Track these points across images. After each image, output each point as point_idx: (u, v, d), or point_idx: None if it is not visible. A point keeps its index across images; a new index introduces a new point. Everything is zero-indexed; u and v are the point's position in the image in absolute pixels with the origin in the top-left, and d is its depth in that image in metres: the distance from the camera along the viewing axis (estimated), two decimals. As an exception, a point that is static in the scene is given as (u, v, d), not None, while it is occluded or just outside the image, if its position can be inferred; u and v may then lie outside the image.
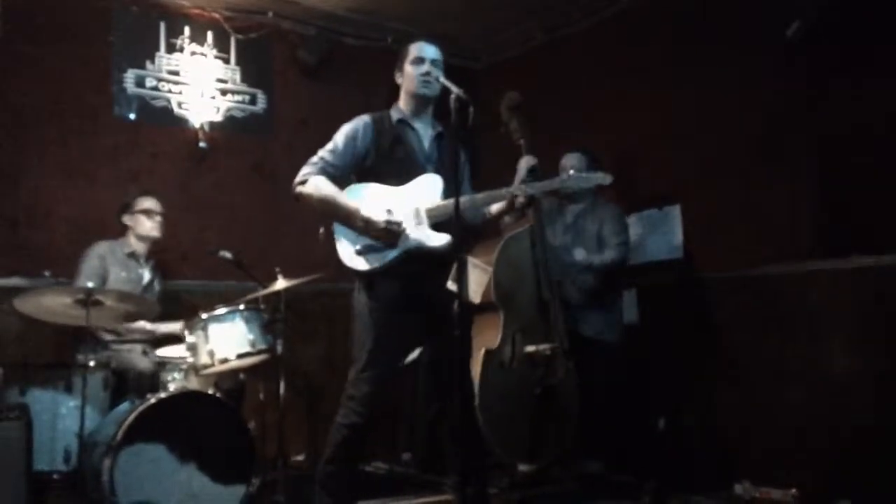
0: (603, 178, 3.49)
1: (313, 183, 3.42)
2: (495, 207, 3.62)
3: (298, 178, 3.46)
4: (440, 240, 3.32)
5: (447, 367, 3.33)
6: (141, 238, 4.69)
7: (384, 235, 3.32)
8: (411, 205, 3.39)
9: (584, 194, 4.89)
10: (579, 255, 4.80)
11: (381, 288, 3.40)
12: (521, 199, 3.52)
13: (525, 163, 3.70)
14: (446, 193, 3.38)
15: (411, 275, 3.36)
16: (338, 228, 3.45)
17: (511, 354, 4.41)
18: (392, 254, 3.36)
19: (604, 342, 4.76)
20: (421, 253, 3.34)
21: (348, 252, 3.41)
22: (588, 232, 4.88)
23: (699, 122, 5.07)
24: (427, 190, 3.43)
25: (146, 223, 4.67)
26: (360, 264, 3.39)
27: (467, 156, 3.73)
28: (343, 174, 3.48)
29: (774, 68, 4.70)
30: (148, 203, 4.70)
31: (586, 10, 5.70)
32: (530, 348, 4.40)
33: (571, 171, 3.35)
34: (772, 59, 4.70)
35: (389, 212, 3.33)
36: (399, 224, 3.32)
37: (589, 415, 4.48)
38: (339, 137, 3.50)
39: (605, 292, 4.84)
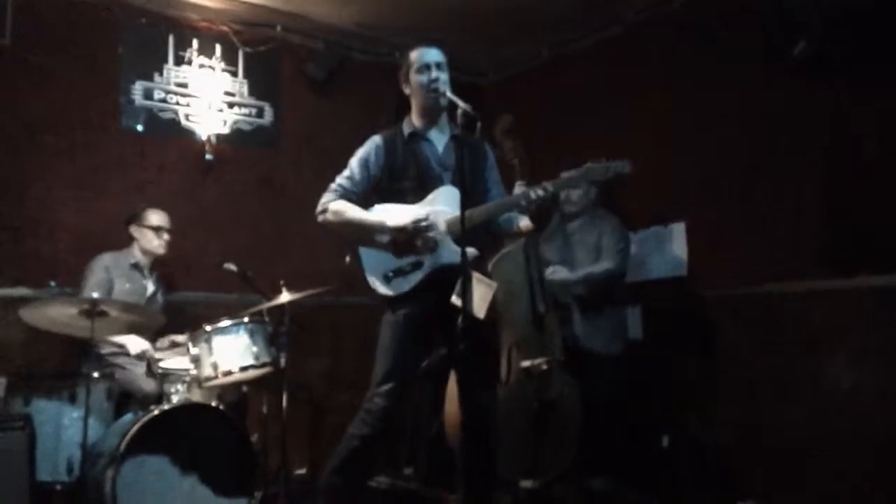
0: (622, 166, 3.36)
1: (333, 209, 3.47)
2: (524, 223, 3.60)
3: (319, 208, 3.52)
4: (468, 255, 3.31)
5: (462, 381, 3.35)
6: (146, 252, 4.70)
7: (414, 240, 3.34)
8: (432, 219, 3.40)
9: (583, 208, 4.92)
10: (573, 271, 4.78)
11: (406, 307, 3.42)
12: (540, 194, 3.32)
13: (518, 192, 3.69)
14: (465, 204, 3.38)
15: (436, 289, 3.36)
16: (364, 255, 3.48)
17: (507, 370, 4.41)
18: (419, 276, 3.39)
19: (606, 355, 4.74)
20: (446, 270, 3.34)
21: (376, 277, 3.45)
22: (586, 243, 4.89)
23: (702, 138, 5.08)
24: (444, 203, 3.42)
25: (154, 240, 4.68)
26: (388, 290, 3.43)
27: (488, 160, 3.69)
28: (362, 198, 3.52)
29: (778, 86, 4.70)
30: (157, 220, 4.70)
31: (591, 27, 5.72)
32: (526, 363, 4.40)
33: (589, 163, 3.33)
34: (775, 76, 4.71)
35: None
36: (427, 221, 3.34)
37: (593, 429, 4.47)
38: (354, 163, 3.54)
39: (605, 304, 4.83)
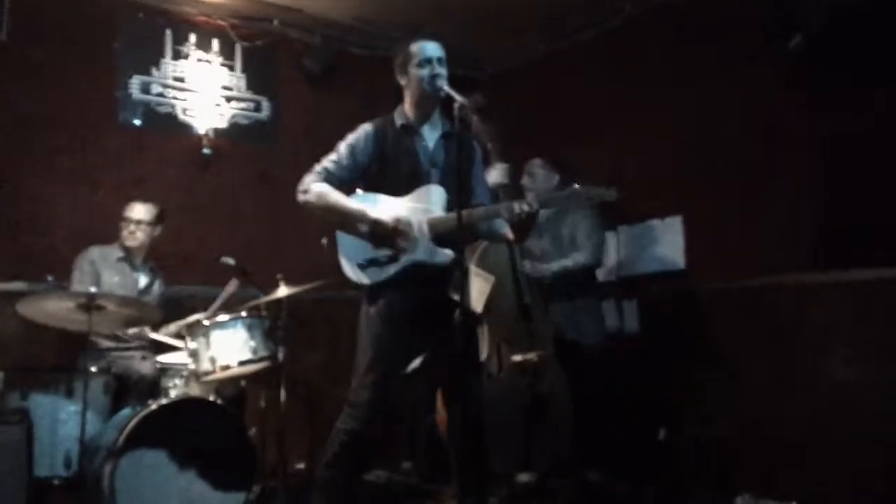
0: (609, 194, 3.29)
1: (315, 191, 3.42)
2: (506, 231, 3.58)
3: (301, 187, 3.46)
4: (442, 256, 3.32)
5: (451, 377, 3.35)
6: (125, 245, 4.69)
7: (393, 237, 3.33)
8: (414, 216, 3.38)
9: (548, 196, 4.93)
10: (550, 267, 4.80)
11: (383, 298, 3.39)
12: (525, 209, 3.32)
13: (495, 177, 3.69)
14: (449, 205, 3.36)
15: (413, 284, 3.36)
16: (341, 240, 3.46)
17: (498, 365, 4.40)
18: (393, 268, 3.36)
19: (586, 346, 4.76)
20: (422, 268, 3.34)
21: (351, 265, 3.42)
22: (561, 234, 4.90)
23: (700, 133, 5.08)
24: (429, 201, 3.40)
25: (123, 231, 4.65)
26: (362, 277, 3.40)
27: (476, 158, 3.68)
28: (346, 184, 3.48)
29: (776, 80, 4.71)
30: (129, 211, 4.66)
31: (588, 22, 5.71)
32: (517, 357, 4.39)
33: (576, 186, 3.31)
34: (773, 70, 4.71)
35: (398, 215, 3.35)
36: (409, 224, 3.33)
37: (582, 421, 4.47)
38: (342, 147, 3.50)
39: (582, 295, 4.84)
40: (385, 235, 3.34)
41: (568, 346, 4.60)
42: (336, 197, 3.41)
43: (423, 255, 3.34)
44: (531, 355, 4.37)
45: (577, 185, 3.26)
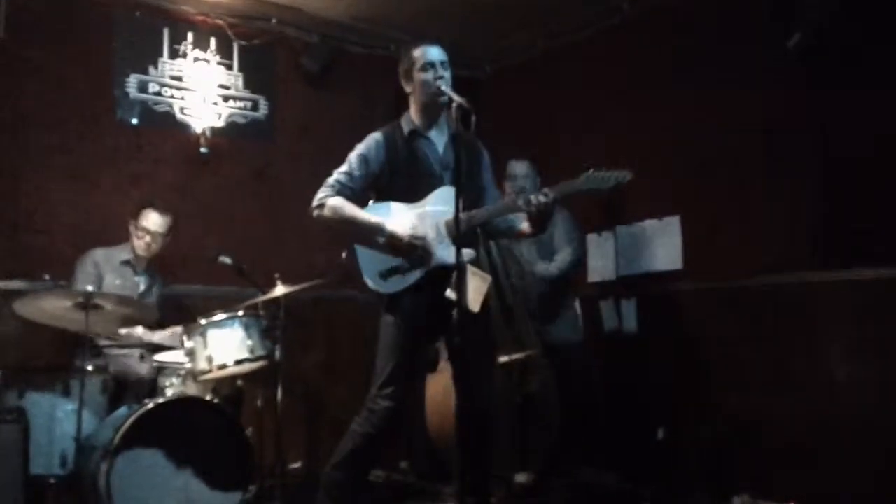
0: (623, 176, 3.25)
1: (331, 205, 3.42)
2: (525, 225, 3.59)
3: (315, 203, 3.46)
4: (463, 255, 3.30)
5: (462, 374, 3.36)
6: (134, 251, 4.68)
7: (409, 251, 3.32)
8: (431, 220, 3.38)
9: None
10: (550, 270, 4.80)
11: (403, 305, 3.41)
12: (542, 199, 3.27)
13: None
14: (464, 205, 3.35)
15: (431, 287, 3.35)
16: (360, 252, 3.46)
17: None
18: (415, 275, 3.37)
19: (570, 345, 4.74)
20: (445, 269, 3.33)
21: (372, 275, 3.43)
22: (539, 238, 4.89)
23: (698, 132, 5.06)
24: (446, 203, 3.36)
25: (139, 241, 4.63)
26: (386, 287, 3.41)
27: (484, 160, 3.67)
28: (359, 194, 3.49)
29: (775, 78, 4.70)
30: (145, 221, 4.62)
31: (587, 20, 5.70)
32: (503, 359, 4.37)
33: (591, 170, 3.28)
34: (773, 69, 4.70)
35: (414, 227, 3.34)
36: (423, 238, 3.33)
37: (574, 419, 4.46)
38: (353, 158, 3.49)
39: (559, 295, 4.83)
40: (401, 248, 3.33)
41: (546, 345, 4.60)
42: (351, 210, 3.42)
43: (445, 257, 3.33)
44: (517, 356, 4.35)
45: (591, 170, 3.24)
